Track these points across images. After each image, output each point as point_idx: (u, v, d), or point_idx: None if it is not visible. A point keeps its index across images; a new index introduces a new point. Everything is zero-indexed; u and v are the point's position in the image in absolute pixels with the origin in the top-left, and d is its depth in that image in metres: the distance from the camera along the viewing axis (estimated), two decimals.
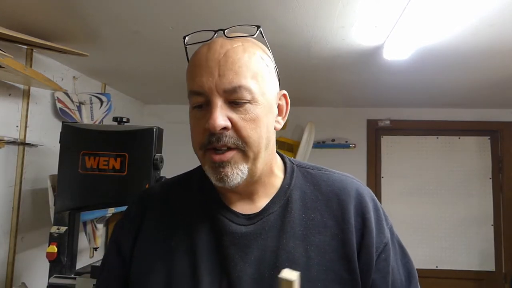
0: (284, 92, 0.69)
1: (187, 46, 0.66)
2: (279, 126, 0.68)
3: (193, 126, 0.63)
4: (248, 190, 0.67)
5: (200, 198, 0.70)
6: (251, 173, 0.63)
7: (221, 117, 0.58)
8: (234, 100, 0.59)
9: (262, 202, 0.68)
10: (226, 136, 0.59)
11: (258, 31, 0.65)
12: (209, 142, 0.60)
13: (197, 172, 0.74)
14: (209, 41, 0.64)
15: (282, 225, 0.65)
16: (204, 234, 0.65)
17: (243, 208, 0.67)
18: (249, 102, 0.60)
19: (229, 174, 0.60)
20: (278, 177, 0.70)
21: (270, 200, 0.68)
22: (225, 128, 0.59)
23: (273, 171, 0.70)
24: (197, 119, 0.62)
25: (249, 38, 0.65)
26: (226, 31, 0.64)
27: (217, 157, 0.60)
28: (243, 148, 0.60)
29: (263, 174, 0.67)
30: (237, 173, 0.61)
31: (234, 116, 0.59)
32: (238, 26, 0.67)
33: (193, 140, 0.64)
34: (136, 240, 0.69)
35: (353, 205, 0.67)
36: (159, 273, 0.64)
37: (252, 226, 0.65)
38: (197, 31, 0.66)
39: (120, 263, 0.70)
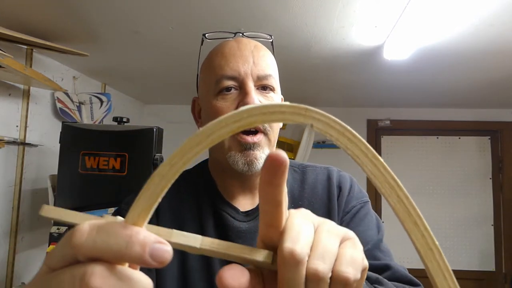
0: (282, 97, 0.75)
1: (210, 40, 0.73)
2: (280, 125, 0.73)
3: (220, 109, 0.64)
4: (254, 182, 0.70)
5: (203, 192, 0.71)
6: None
7: (257, 97, 0.63)
8: (264, 86, 0.65)
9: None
10: None
11: (271, 38, 0.75)
12: None
13: (195, 169, 0.76)
14: (231, 38, 0.70)
15: None
16: (212, 228, 0.67)
17: (243, 203, 0.69)
18: (273, 91, 0.66)
19: (258, 157, 0.63)
20: None
21: None
22: None
23: None
24: (226, 102, 0.64)
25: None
26: (245, 33, 0.71)
27: (249, 138, 0.63)
28: (269, 132, 0.65)
29: None
30: (263, 157, 0.64)
31: (263, 100, 0.64)
32: (253, 32, 0.75)
33: None
34: (158, 223, 0.66)
35: (336, 184, 0.72)
36: (173, 265, 0.64)
37: (252, 221, 0.67)
38: (218, 31, 0.73)
39: None
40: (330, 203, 0.70)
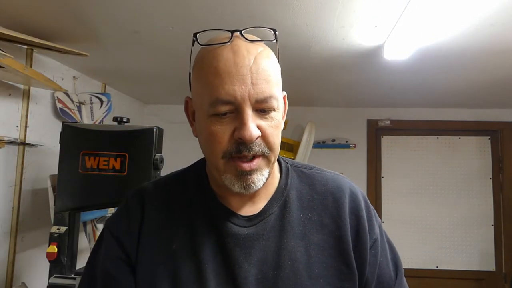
0: (285, 93, 0.70)
1: (202, 46, 0.63)
2: (282, 127, 0.69)
3: (215, 133, 0.59)
4: (254, 194, 0.66)
5: (198, 198, 0.69)
6: (268, 176, 0.64)
7: (254, 127, 0.58)
8: (263, 109, 0.59)
9: (261, 202, 0.68)
10: (256, 145, 0.59)
11: (275, 37, 0.64)
12: (238, 151, 0.59)
13: (191, 172, 0.73)
14: (227, 43, 0.60)
15: (282, 225, 0.65)
16: (206, 236, 0.64)
17: (243, 209, 0.67)
18: (275, 110, 0.61)
19: (256, 181, 0.61)
20: (276, 177, 0.71)
21: (269, 201, 0.68)
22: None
23: (274, 170, 0.69)
24: (221, 126, 0.59)
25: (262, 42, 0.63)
26: (243, 32, 0.62)
27: (246, 166, 0.60)
28: (268, 154, 0.61)
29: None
30: (261, 179, 0.62)
31: (263, 123, 0.60)
32: (253, 28, 0.65)
33: (213, 147, 0.60)
34: (139, 243, 0.65)
35: (348, 204, 0.69)
36: (164, 279, 0.62)
37: (253, 227, 0.65)
38: (210, 29, 0.63)
39: (127, 260, 0.65)
40: (340, 231, 0.66)
